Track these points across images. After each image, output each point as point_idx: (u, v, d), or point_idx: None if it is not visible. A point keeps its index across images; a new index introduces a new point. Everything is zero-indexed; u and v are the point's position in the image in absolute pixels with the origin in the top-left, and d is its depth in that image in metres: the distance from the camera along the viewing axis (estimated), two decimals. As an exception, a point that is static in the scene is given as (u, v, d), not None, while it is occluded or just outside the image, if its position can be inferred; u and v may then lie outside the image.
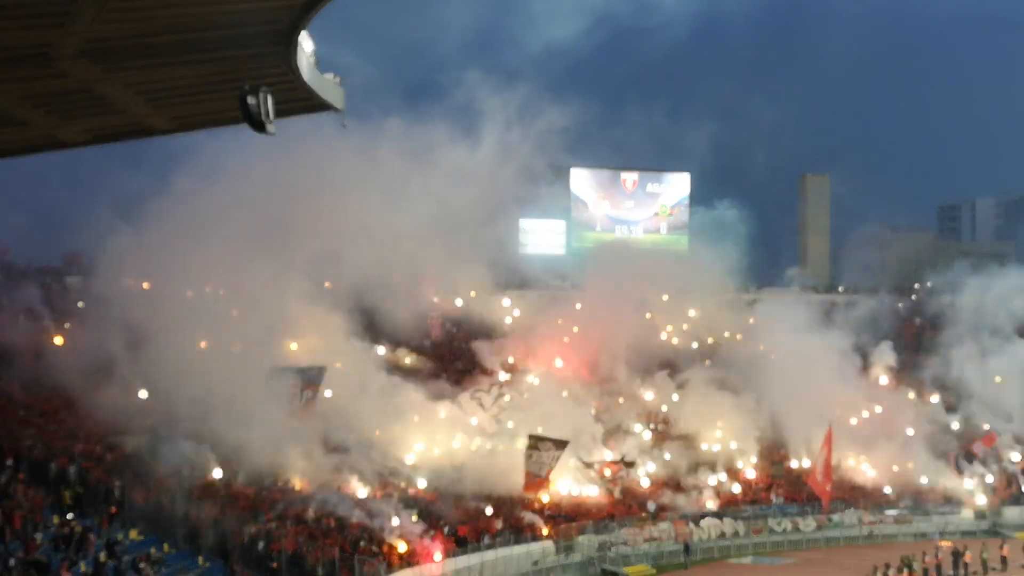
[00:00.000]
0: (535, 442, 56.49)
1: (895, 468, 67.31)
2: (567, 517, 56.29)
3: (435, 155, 66.10)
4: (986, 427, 70.89)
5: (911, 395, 74.90)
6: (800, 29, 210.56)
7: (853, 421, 70.44)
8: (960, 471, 67.00)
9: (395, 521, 49.34)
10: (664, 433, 67.45)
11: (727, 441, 66.87)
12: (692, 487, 62.63)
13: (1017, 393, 73.49)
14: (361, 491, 52.34)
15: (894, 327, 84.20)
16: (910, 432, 70.79)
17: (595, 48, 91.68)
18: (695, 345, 77.51)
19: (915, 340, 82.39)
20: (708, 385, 69.21)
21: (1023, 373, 74.07)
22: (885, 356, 76.87)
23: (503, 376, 67.82)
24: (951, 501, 65.72)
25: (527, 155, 75.19)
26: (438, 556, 48.03)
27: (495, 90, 71.94)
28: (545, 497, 57.07)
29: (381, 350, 66.76)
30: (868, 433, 69.33)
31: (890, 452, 68.10)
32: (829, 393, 68.85)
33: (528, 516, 54.85)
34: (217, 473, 50.11)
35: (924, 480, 66.66)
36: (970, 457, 67.77)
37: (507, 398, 64.31)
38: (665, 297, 77.06)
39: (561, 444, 56.88)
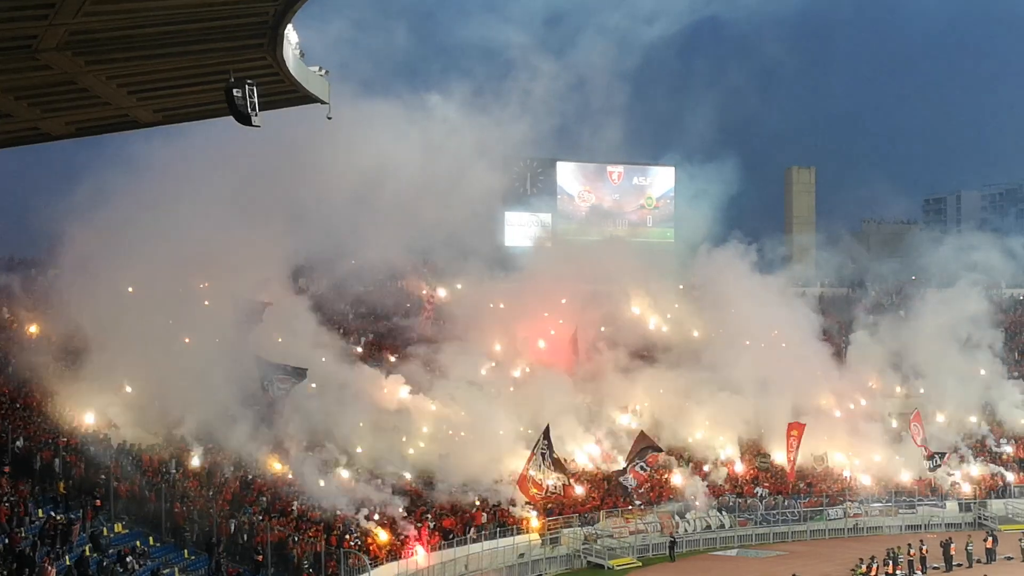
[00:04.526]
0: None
1: (877, 459, 67.36)
2: (550, 510, 56.33)
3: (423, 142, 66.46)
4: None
5: (898, 388, 75.14)
6: (791, 27, 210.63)
7: (837, 414, 70.72)
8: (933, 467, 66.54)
9: (379, 515, 49.54)
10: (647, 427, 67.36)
11: (710, 434, 66.92)
12: (676, 480, 62.68)
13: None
14: (346, 484, 52.28)
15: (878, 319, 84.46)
16: (894, 424, 71.10)
17: (586, 44, 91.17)
18: (685, 336, 77.51)
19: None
20: (688, 377, 69.27)
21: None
22: (867, 348, 76.80)
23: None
24: (936, 493, 65.74)
25: (513, 148, 75.62)
26: (422, 549, 48.12)
27: (477, 79, 72.41)
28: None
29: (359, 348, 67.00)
30: (851, 426, 69.44)
31: (874, 444, 68.20)
32: (810, 386, 69.30)
33: (518, 510, 54.93)
34: (196, 461, 50.10)
35: (906, 475, 66.70)
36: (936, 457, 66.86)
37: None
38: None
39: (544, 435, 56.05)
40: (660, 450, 60.48)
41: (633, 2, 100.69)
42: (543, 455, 55.33)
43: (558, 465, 56.13)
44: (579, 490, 58.97)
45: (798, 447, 63.11)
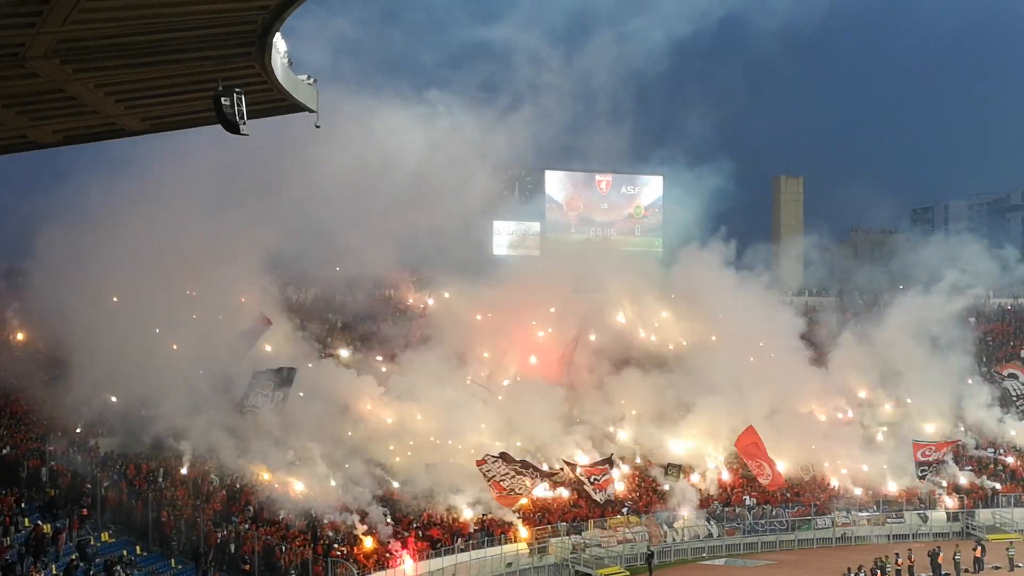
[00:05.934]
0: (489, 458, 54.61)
1: (865, 468, 67.35)
2: (539, 518, 56.26)
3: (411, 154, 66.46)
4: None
5: (887, 405, 75.22)
6: (780, 38, 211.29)
7: (822, 418, 70.84)
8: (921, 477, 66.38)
9: (366, 524, 49.46)
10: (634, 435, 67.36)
11: (697, 443, 66.88)
12: (663, 489, 62.66)
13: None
14: (334, 492, 52.15)
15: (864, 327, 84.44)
16: (880, 437, 71.11)
17: (574, 54, 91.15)
18: (671, 347, 77.39)
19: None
20: (675, 385, 69.24)
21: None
22: (852, 356, 76.62)
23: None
24: (924, 503, 65.67)
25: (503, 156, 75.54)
26: (410, 559, 48.03)
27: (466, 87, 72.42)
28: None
29: (345, 352, 66.93)
30: (837, 435, 69.39)
31: (860, 453, 68.21)
32: (795, 394, 69.43)
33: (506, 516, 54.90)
34: (184, 471, 49.95)
35: (892, 485, 66.65)
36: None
37: None
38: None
39: (508, 458, 54.96)
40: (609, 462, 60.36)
41: (621, 14, 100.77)
42: (509, 474, 54.64)
43: (527, 466, 55.53)
44: (564, 493, 59.17)
45: (766, 457, 62.60)
